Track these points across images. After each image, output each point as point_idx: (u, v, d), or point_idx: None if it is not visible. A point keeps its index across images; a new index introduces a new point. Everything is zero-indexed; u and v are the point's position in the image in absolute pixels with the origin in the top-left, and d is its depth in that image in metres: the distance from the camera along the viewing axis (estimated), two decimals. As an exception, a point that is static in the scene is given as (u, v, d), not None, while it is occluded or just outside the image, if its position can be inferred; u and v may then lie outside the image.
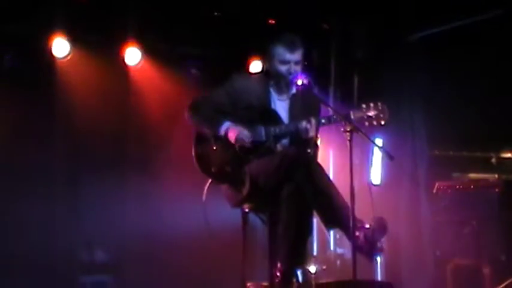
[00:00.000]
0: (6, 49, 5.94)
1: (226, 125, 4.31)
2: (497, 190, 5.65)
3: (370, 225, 3.99)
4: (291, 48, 4.37)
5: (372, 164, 6.31)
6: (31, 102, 5.96)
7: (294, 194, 4.13)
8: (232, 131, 4.29)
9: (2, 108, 5.85)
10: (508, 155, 6.24)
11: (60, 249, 5.98)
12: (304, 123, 4.26)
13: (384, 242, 4.09)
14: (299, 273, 4.18)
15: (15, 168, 5.90)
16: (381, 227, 4.00)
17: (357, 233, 3.96)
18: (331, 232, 6.19)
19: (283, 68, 4.38)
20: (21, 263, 5.78)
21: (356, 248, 3.92)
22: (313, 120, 4.26)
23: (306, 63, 4.57)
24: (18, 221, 5.85)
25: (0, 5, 5.70)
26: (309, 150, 4.37)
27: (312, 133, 4.27)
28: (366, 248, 3.98)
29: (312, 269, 5.82)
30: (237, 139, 4.26)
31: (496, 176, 5.97)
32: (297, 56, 4.38)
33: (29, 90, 5.94)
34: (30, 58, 6.00)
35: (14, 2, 5.81)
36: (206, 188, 4.41)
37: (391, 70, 6.49)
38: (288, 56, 4.37)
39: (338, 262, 6.31)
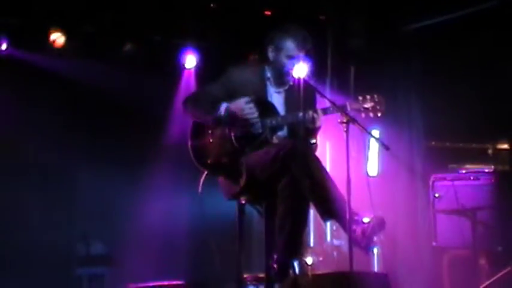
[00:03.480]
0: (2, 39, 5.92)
1: (224, 105, 4.30)
2: (493, 181, 5.66)
3: (368, 221, 3.99)
4: (302, 46, 4.36)
5: (368, 156, 6.31)
6: (28, 97, 5.95)
7: (290, 185, 4.13)
8: (235, 106, 4.27)
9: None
10: (504, 146, 6.24)
11: (57, 242, 5.98)
12: (311, 113, 4.24)
13: (380, 235, 4.10)
14: (296, 264, 4.18)
15: (12, 161, 5.90)
16: (379, 224, 4.00)
17: (354, 227, 3.96)
18: (328, 224, 6.20)
19: (288, 62, 4.37)
20: (18, 255, 5.79)
21: (352, 241, 3.93)
22: (319, 110, 4.24)
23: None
24: (14, 213, 5.86)
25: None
26: (314, 141, 4.37)
27: (319, 123, 4.26)
28: (362, 243, 3.99)
29: (309, 260, 5.83)
30: (243, 110, 4.24)
31: (492, 167, 5.97)
32: (303, 53, 4.38)
33: (26, 84, 5.93)
34: (29, 49, 5.99)
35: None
36: (202, 180, 4.41)
37: (387, 61, 6.48)
38: (297, 52, 4.36)
39: (335, 253, 6.30)
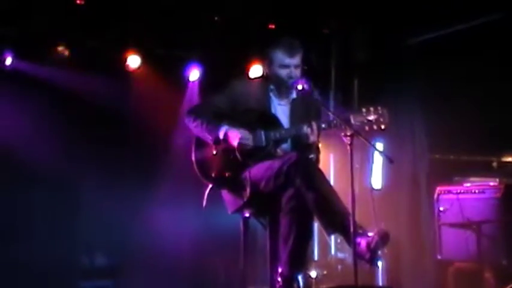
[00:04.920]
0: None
1: (224, 128, 4.31)
2: (498, 194, 5.65)
3: (373, 235, 3.97)
4: (291, 53, 4.38)
5: (372, 168, 6.30)
6: (32, 105, 5.97)
7: (294, 198, 4.12)
8: (232, 133, 4.28)
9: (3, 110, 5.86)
10: (509, 159, 6.23)
11: (61, 254, 5.97)
12: (305, 128, 4.26)
13: (384, 248, 4.09)
14: (300, 278, 4.17)
15: (16, 173, 5.90)
16: (383, 238, 3.98)
17: (359, 240, 3.95)
18: (332, 237, 6.19)
19: (283, 73, 4.39)
20: (22, 268, 5.77)
21: (357, 255, 3.92)
22: (314, 125, 4.25)
23: (305, 67, 4.57)
24: (18, 226, 5.85)
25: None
26: (311, 156, 4.37)
27: (313, 138, 4.26)
28: (367, 256, 3.97)
29: (313, 273, 5.84)
30: (239, 140, 4.26)
31: (497, 180, 5.96)
32: (296, 59, 4.39)
33: (29, 92, 5.95)
34: (33, 61, 6.02)
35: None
36: (206, 193, 4.41)
37: (391, 74, 6.49)
38: (288, 60, 4.38)
39: (339, 267, 6.30)
